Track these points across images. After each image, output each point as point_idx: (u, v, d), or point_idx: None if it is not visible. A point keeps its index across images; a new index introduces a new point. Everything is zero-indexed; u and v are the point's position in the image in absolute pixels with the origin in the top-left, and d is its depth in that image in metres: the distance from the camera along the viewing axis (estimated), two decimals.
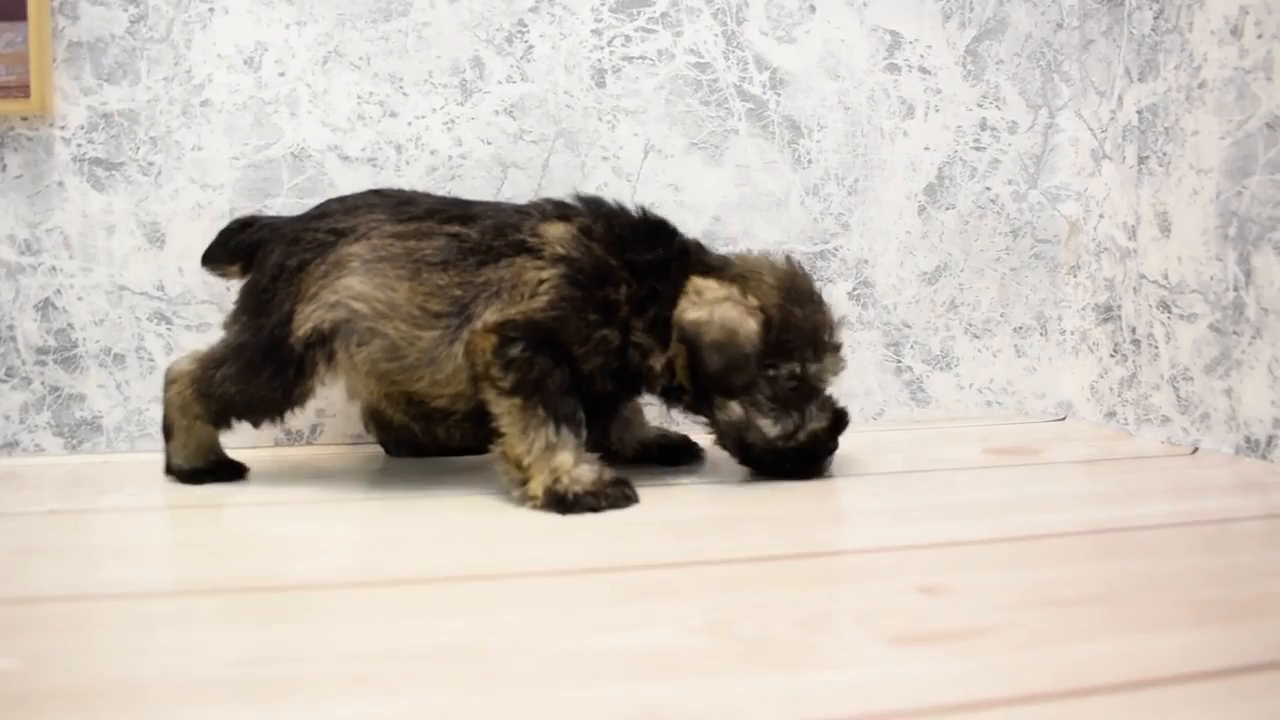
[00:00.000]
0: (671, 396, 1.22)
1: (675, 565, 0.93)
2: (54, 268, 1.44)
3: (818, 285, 1.26)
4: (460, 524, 1.09)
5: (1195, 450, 1.41)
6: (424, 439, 1.37)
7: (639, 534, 1.03)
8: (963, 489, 1.23)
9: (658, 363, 1.18)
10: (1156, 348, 1.50)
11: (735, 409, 1.19)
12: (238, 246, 1.27)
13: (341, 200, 1.27)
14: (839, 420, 1.24)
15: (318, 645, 0.74)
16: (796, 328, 1.19)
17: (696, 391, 1.19)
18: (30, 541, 1.03)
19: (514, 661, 0.70)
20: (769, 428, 1.19)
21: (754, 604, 0.82)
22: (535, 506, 1.10)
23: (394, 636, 0.75)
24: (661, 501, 1.15)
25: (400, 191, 1.29)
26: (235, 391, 1.21)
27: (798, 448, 1.20)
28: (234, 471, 1.29)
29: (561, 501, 1.09)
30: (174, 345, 1.45)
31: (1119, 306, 1.59)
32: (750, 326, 1.16)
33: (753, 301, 1.18)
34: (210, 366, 1.23)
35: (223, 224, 1.31)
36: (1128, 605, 0.81)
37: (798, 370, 1.19)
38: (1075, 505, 1.18)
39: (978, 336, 1.69)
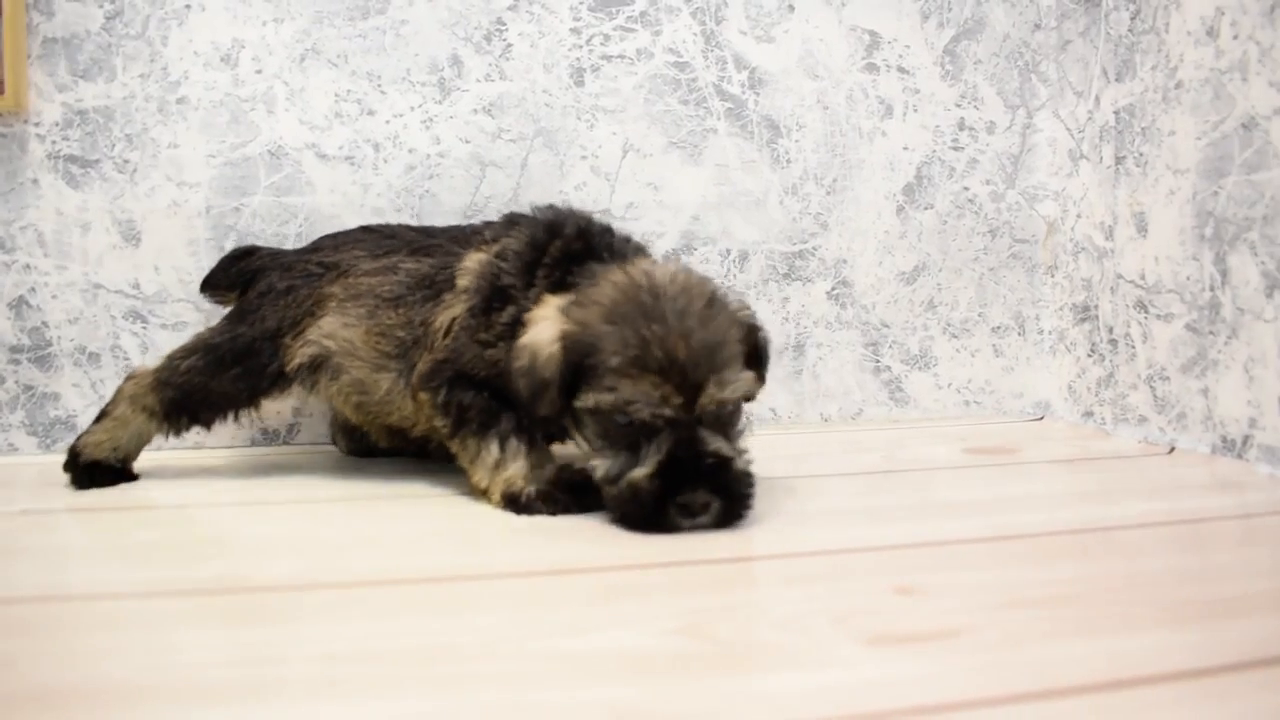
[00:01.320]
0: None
1: (651, 566, 0.93)
2: (28, 265, 1.42)
3: (697, 299, 1.04)
4: (436, 525, 1.09)
5: (1172, 450, 1.41)
6: (421, 456, 1.37)
7: (614, 535, 1.03)
8: (940, 488, 1.24)
9: None
10: (1134, 347, 1.51)
11: (582, 442, 1.08)
12: (238, 274, 1.32)
13: (333, 236, 1.32)
14: (676, 469, 0.99)
15: (293, 646, 0.74)
16: (600, 349, 1.02)
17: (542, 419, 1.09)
18: (3, 542, 1.02)
19: (489, 663, 0.70)
20: (598, 467, 1.05)
21: (730, 605, 0.82)
22: (500, 508, 1.13)
23: (369, 638, 0.75)
24: None
25: (387, 226, 1.32)
26: (199, 382, 1.24)
27: (618, 496, 1.02)
28: (126, 477, 1.27)
29: (515, 502, 1.11)
30: (149, 344, 1.44)
31: (1096, 306, 1.60)
32: (552, 350, 1.04)
33: (563, 322, 1.05)
34: (177, 357, 1.26)
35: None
36: (1103, 605, 0.81)
37: (591, 402, 1.02)
38: (1052, 505, 1.18)
39: (956, 336, 1.70)
